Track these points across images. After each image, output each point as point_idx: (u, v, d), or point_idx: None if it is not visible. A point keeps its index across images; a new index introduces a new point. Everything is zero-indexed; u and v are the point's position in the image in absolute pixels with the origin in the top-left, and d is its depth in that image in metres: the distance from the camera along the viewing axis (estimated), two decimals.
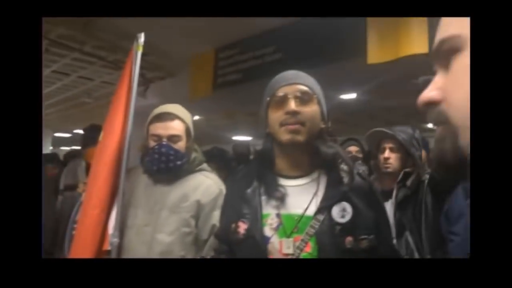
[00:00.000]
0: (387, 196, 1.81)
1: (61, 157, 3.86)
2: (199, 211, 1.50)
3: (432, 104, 0.43)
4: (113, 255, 1.48)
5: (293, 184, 1.10)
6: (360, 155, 2.65)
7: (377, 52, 2.76)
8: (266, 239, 1.05)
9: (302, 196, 1.08)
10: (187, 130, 1.57)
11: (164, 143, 1.50)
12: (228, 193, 1.26)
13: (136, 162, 1.66)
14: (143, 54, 1.71)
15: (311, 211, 1.05)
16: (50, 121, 9.20)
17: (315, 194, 1.07)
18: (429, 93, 0.43)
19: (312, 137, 1.08)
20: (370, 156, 2.15)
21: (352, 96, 4.84)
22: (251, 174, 1.16)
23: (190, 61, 4.36)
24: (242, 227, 1.07)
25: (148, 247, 1.46)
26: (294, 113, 1.05)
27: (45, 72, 4.87)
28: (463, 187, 1.79)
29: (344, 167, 1.12)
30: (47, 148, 10.56)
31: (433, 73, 0.44)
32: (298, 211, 1.06)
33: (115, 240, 1.49)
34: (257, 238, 1.04)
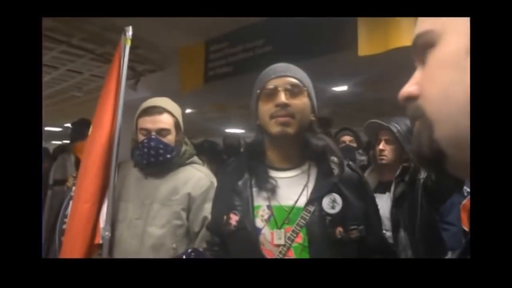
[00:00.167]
0: (385, 188, 1.81)
1: (51, 152, 3.82)
2: (190, 204, 1.50)
3: (411, 98, 0.43)
4: (105, 249, 1.48)
5: (283, 176, 1.11)
6: (354, 145, 2.67)
7: (367, 45, 2.77)
8: (258, 230, 1.06)
9: (292, 187, 1.09)
10: (176, 123, 1.57)
11: (153, 137, 1.50)
12: (220, 185, 1.27)
13: (127, 155, 1.65)
14: (133, 47, 1.70)
15: (302, 202, 1.06)
16: None
17: (306, 185, 1.08)
18: (408, 88, 0.44)
19: (302, 130, 1.09)
20: (370, 146, 2.16)
21: (343, 88, 4.85)
22: (242, 166, 1.16)
23: (180, 54, 4.32)
24: (234, 219, 1.08)
25: (139, 240, 1.46)
26: (284, 106, 1.05)
27: None
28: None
29: (334, 159, 1.13)
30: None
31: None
32: (289, 202, 1.07)
33: (107, 233, 1.49)
34: (248, 230, 1.05)
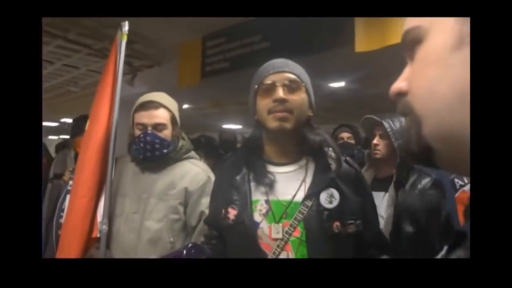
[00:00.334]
0: (381, 185, 1.80)
1: (49, 147, 3.84)
2: (187, 198, 1.50)
3: (401, 94, 0.43)
4: (102, 243, 1.48)
5: (281, 171, 1.11)
6: (352, 141, 2.67)
7: (364, 41, 2.77)
8: (256, 225, 1.07)
9: (290, 182, 1.09)
10: (173, 118, 1.57)
11: (149, 131, 1.50)
12: (218, 179, 1.27)
13: (124, 150, 1.66)
14: (130, 42, 1.69)
15: (300, 197, 1.07)
16: None
17: (303, 180, 1.09)
18: (398, 84, 0.44)
19: (300, 125, 1.09)
20: (368, 143, 2.16)
21: (340, 84, 4.85)
22: (240, 161, 1.17)
23: (178, 50, 4.31)
24: (232, 213, 1.09)
25: (136, 234, 1.47)
26: (282, 101, 1.05)
27: None
28: (450, 180, 1.81)
29: (331, 154, 1.14)
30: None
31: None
32: (287, 197, 1.07)
33: (104, 227, 1.50)
34: (246, 224, 1.06)
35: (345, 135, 2.70)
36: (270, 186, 1.09)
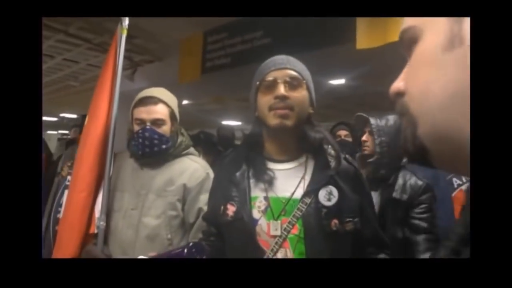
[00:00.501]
0: (375, 185, 1.80)
1: (48, 142, 3.85)
2: (185, 195, 1.50)
3: (399, 94, 0.43)
4: (100, 238, 1.48)
5: (281, 168, 1.11)
6: (350, 139, 2.67)
7: (366, 38, 2.76)
8: (254, 221, 1.06)
9: (289, 179, 1.09)
10: (172, 114, 1.56)
11: (147, 127, 1.49)
12: (217, 176, 1.27)
13: (123, 146, 1.65)
14: (130, 37, 1.69)
15: (299, 194, 1.06)
16: None
17: (303, 177, 1.09)
18: (397, 84, 0.44)
19: (301, 122, 1.09)
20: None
21: (340, 81, 4.85)
22: (240, 158, 1.17)
23: (179, 45, 4.30)
24: (231, 209, 1.08)
25: (134, 230, 1.46)
26: (283, 98, 1.05)
27: None
28: (447, 180, 1.81)
29: (331, 151, 1.13)
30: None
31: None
32: (286, 194, 1.07)
33: (102, 223, 1.49)
34: (245, 220, 1.06)
35: (343, 133, 2.70)
36: (270, 183, 1.09)
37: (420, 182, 1.67)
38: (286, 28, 3.34)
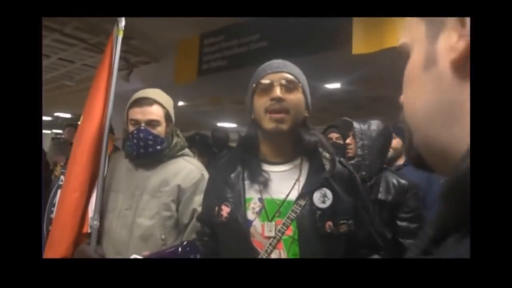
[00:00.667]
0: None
1: (42, 141, 3.83)
2: (179, 196, 1.50)
3: (401, 105, 0.46)
4: (93, 238, 1.48)
5: (276, 170, 1.12)
6: (341, 142, 2.69)
7: (362, 43, 2.78)
8: (249, 222, 1.07)
9: (284, 181, 1.10)
10: (167, 115, 1.56)
11: (142, 128, 1.49)
12: (212, 177, 1.27)
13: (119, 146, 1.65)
14: (127, 38, 1.69)
15: (293, 196, 1.07)
16: None
17: (297, 180, 1.10)
18: (401, 95, 0.46)
19: (296, 126, 1.09)
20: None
21: (336, 86, 4.87)
22: (236, 159, 1.17)
23: (176, 47, 4.30)
24: (225, 210, 1.09)
25: (128, 231, 1.46)
26: (279, 100, 1.06)
27: None
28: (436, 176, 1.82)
29: (326, 154, 1.14)
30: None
31: None
32: (281, 196, 1.08)
33: (95, 223, 1.49)
34: (239, 221, 1.06)
35: (334, 135, 2.73)
36: (264, 184, 1.09)
37: (402, 181, 1.75)
38: (283, 32, 3.35)
